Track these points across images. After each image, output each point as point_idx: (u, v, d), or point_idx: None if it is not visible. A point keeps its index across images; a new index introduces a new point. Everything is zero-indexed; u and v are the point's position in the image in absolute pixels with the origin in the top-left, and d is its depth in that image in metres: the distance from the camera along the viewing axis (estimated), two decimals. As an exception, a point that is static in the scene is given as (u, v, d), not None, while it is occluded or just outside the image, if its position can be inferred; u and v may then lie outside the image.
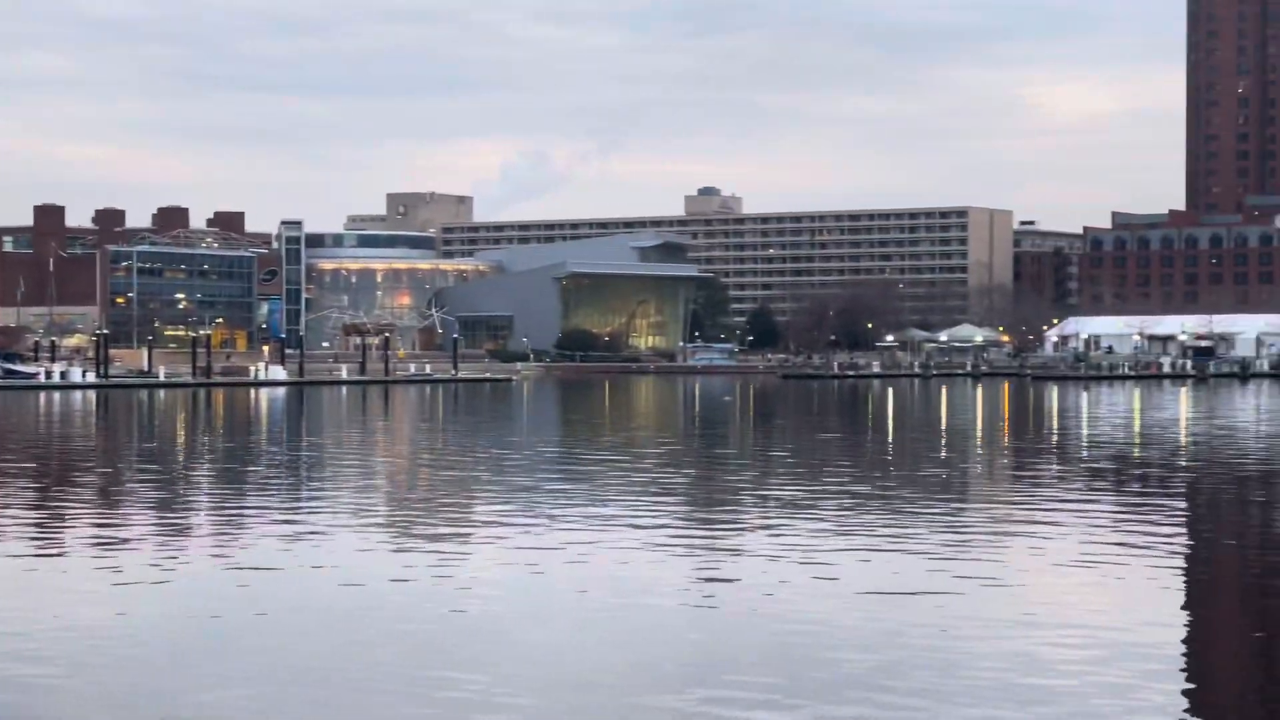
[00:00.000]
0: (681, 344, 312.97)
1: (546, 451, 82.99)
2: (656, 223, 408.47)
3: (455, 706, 23.24)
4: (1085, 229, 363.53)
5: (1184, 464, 74.95)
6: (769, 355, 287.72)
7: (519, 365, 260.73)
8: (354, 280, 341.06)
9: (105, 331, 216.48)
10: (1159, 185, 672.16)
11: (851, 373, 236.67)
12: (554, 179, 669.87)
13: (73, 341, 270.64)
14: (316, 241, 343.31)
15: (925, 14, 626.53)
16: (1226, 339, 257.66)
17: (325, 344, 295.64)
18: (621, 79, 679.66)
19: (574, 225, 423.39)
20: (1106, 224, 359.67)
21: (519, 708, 23.16)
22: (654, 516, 48.71)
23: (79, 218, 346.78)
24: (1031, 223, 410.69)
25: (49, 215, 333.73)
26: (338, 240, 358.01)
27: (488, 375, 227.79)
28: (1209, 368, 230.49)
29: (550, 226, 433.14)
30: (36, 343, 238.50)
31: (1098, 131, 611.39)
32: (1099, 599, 33.97)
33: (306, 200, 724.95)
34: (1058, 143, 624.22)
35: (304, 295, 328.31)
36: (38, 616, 29.75)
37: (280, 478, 65.59)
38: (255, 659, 26.54)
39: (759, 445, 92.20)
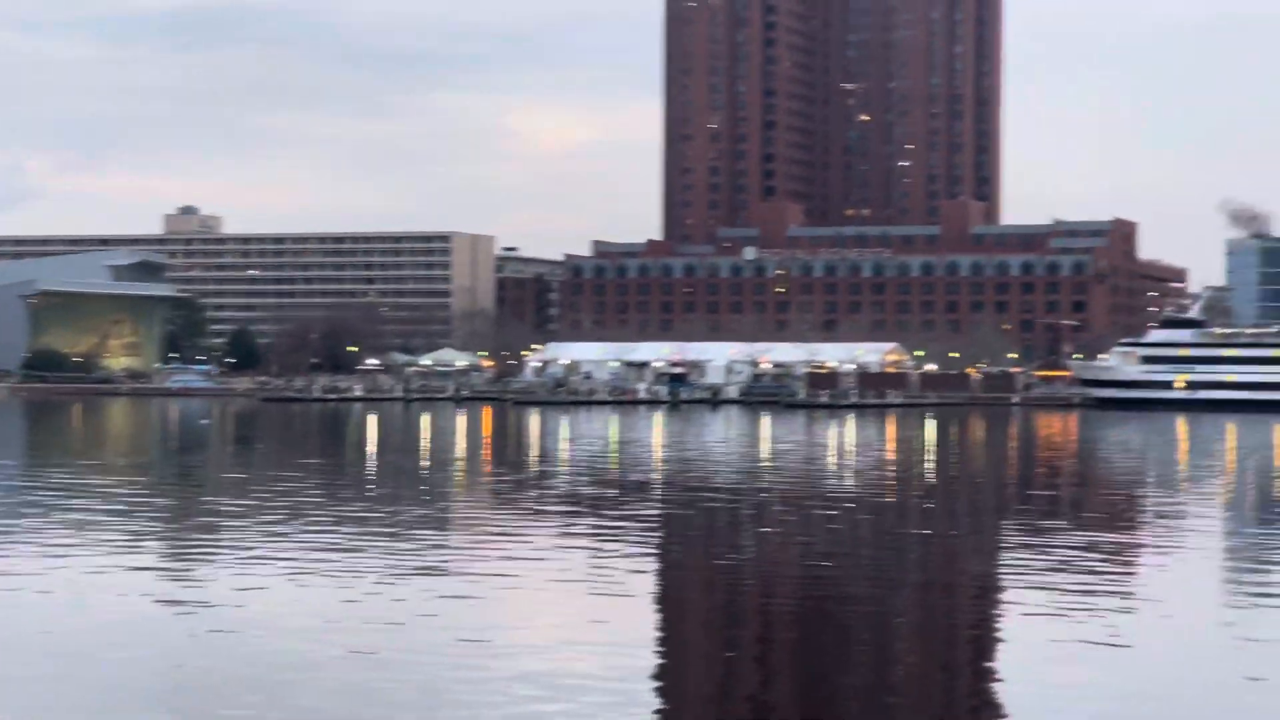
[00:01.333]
0: (158, 365, 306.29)
1: (5, 476, 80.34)
2: (134, 241, 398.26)
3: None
4: (566, 256, 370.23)
5: (657, 485, 77.35)
6: (259, 378, 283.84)
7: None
8: None
9: None
10: (637, 215, 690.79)
11: (333, 396, 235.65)
12: (27, 193, 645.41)
13: None
14: None
15: (409, 38, 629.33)
16: (699, 366, 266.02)
17: None
18: (100, 92, 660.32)
19: (46, 242, 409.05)
20: (587, 252, 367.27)
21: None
22: (124, 541, 47.81)
23: None
24: (514, 249, 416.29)
25: None
26: None
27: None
28: (682, 394, 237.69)
29: (20, 243, 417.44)
30: None
31: (579, 160, 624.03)
32: (571, 614, 34.95)
33: None
34: (540, 170, 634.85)
35: None
36: None
37: None
38: None
39: (235, 469, 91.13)
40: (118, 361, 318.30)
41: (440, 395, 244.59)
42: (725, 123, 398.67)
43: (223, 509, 61.32)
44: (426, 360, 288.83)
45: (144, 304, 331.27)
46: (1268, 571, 46.35)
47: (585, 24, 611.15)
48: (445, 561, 44.88)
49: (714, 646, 33.07)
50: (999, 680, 29.36)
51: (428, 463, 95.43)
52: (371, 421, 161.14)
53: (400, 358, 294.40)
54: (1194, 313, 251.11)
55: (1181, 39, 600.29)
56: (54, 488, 70.82)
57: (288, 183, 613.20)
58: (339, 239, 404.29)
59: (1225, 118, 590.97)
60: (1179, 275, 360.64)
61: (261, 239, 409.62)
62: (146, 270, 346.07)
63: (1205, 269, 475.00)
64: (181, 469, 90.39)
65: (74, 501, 62.36)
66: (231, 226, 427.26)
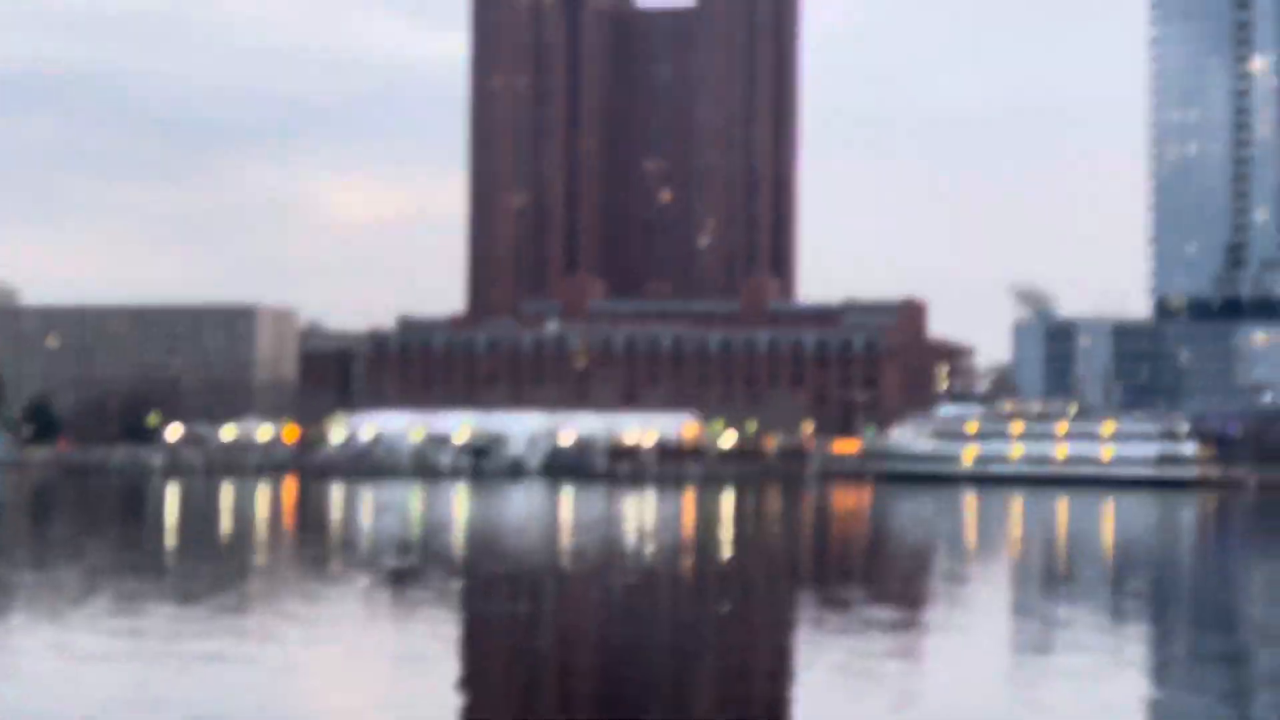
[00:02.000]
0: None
1: None
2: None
3: None
4: (371, 329, 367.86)
5: (457, 558, 76.99)
6: (58, 449, 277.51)
7: None
8: None
9: None
10: (442, 289, 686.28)
11: (134, 467, 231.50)
12: None
13: None
14: None
15: (213, 110, 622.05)
16: (501, 438, 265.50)
17: None
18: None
19: None
20: (392, 324, 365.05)
21: None
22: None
23: None
24: (319, 322, 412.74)
25: None
26: None
27: None
28: (484, 466, 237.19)
29: None
30: None
31: (384, 234, 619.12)
32: (368, 687, 34.63)
33: None
34: (346, 243, 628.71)
35: None
36: None
37: None
38: None
39: (28, 543, 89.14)
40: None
41: (243, 467, 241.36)
42: (529, 198, 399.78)
43: (10, 585, 59.97)
44: (229, 432, 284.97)
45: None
46: (1052, 643, 47.22)
47: (390, 99, 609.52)
48: (243, 635, 44.29)
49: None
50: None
51: (228, 537, 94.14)
52: (172, 494, 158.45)
53: (203, 429, 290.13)
54: (981, 389, 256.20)
55: (969, 127, 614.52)
56: None
57: (89, 252, 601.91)
58: (141, 310, 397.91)
59: (1011, 201, 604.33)
60: (967, 352, 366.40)
61: (62, 309, 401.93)
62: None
63: (992, 347, 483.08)
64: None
65: None
66: (30, 296, 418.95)
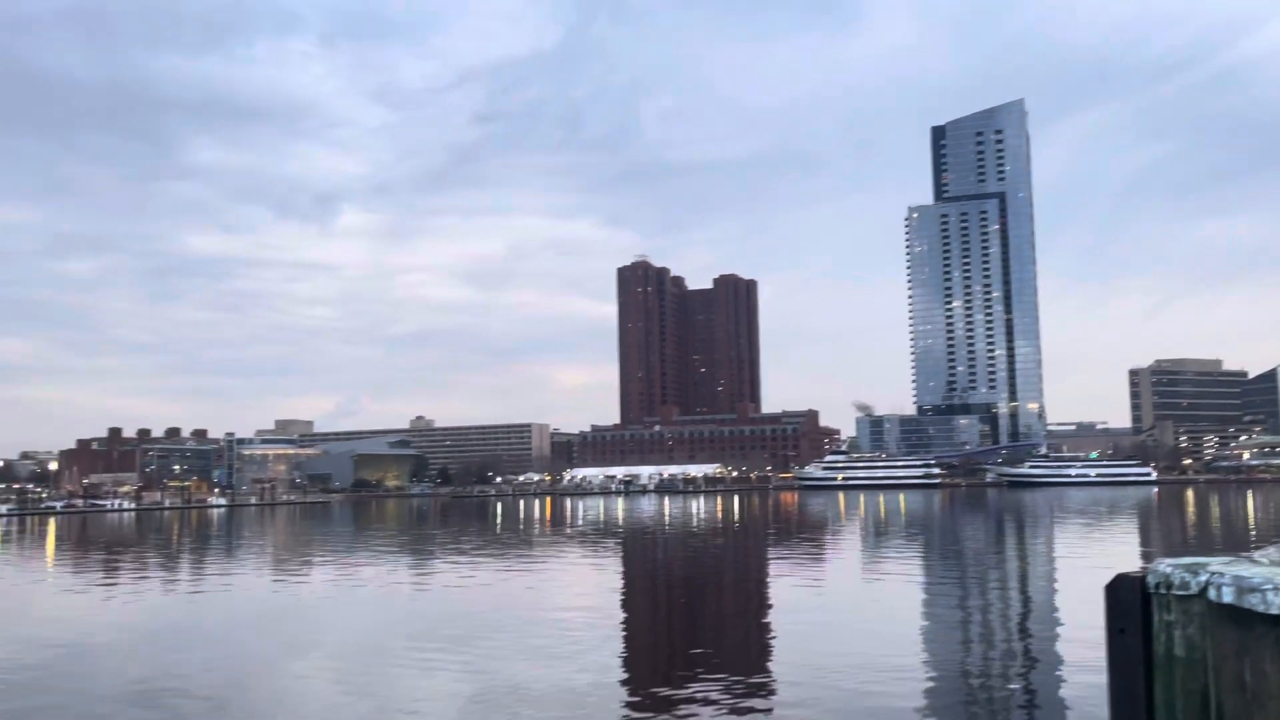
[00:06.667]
0: (408, 484, 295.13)
1: (345, 534, 77.02)
2: (398, 431, 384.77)
3: None
4: (592, 427, 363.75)
5: (620, 527, 75.37)
6: (461, 488, 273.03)
7: (334, 496, 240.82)
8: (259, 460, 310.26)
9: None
10: (608, 412, 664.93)
11: (482, 496, 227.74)
12: (351, 412, 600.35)
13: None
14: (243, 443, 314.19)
15: (521, 339, 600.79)
16: (638, 476, 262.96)
17: (244, 488, 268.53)
18: (365, 364, 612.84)
19: (356, 434, 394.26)
20: (589, 429, 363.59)
21: None
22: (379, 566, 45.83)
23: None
24: (559, 429, 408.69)
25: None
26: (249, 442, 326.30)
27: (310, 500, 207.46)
28: (630, 489, 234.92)
29: (349, 435, 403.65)
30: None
31: (586, 393, 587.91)
32: (588, 585, 33.68)
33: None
34: (568, 397, 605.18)
35: (235, 466, 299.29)
36: None
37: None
38: None
39: (438, 524, 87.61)
40: (393, 481, 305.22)
41: (528, 493, 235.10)
42: (645, 374, 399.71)
43: (433, 537, 58.94)
44: (520, 478, 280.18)
45: (402, 459, 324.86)
46: (882, 565, 46.06)
47: (587, 336, 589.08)
48: (531, 559, 43.32)
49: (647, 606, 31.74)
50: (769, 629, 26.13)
51: (524, 522, 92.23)
52: (499, 507, 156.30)
53: (510, 478, 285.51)
54: (844, 448, 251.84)
55: (840, 337, 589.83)
56: (340, 538, 67.84)
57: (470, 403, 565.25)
58: (481, 427, 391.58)
59: (851, 366, 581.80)
60: (836, 432, 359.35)
61: (449, 428, 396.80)
62: (403, 444, 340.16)
63: (847, 429, 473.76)
64: (416, 532, 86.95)
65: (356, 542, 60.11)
66: (438, 423, 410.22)
